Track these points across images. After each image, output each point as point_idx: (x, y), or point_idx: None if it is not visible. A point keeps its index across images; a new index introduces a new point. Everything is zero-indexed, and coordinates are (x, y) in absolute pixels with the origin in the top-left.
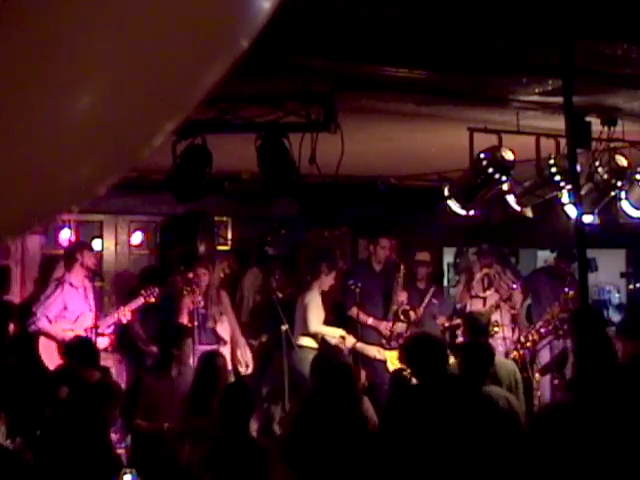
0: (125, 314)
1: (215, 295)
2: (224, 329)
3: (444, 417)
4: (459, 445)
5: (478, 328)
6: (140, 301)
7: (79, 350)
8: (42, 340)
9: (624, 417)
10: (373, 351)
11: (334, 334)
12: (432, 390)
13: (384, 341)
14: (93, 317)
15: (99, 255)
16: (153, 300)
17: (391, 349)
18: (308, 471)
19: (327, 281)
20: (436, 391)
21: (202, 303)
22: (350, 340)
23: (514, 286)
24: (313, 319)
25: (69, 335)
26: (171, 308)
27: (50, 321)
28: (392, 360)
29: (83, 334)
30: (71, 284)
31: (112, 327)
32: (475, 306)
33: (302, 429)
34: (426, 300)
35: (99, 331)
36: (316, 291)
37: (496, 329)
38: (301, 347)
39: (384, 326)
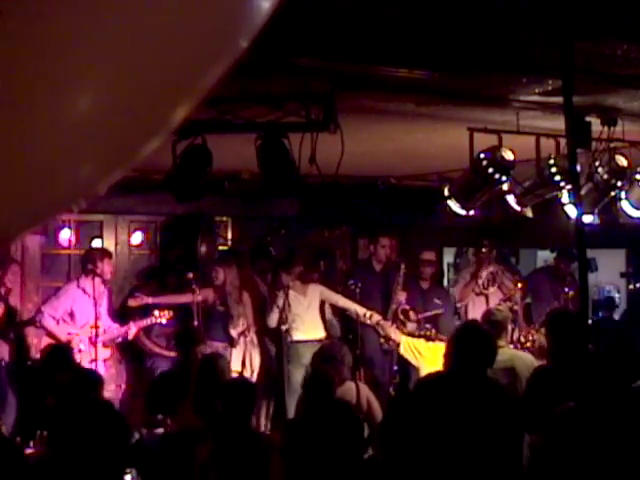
0: (132, 330)
1: (237, 294)
2: (237, 330)
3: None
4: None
5: (492, 323)
6: (150, 320)
7: (53, 361)
8: (44, 340)
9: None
10: (391, 330)
11: (359, 310)
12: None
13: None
14: (101, 325)
15: None
16: (164, 322)
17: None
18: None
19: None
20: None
21: (212, 301)
22: (376, 317)
23: (519, 285)
24: (343, 299)
25: (73, 338)
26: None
27: (57, 321)
28: (404, 345)
29: (87, 342)
30: (84, 290)
31: (117, 340)
32: (478, 304)
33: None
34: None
35: (101, 340)
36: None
37: None
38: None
39: (361, 319)
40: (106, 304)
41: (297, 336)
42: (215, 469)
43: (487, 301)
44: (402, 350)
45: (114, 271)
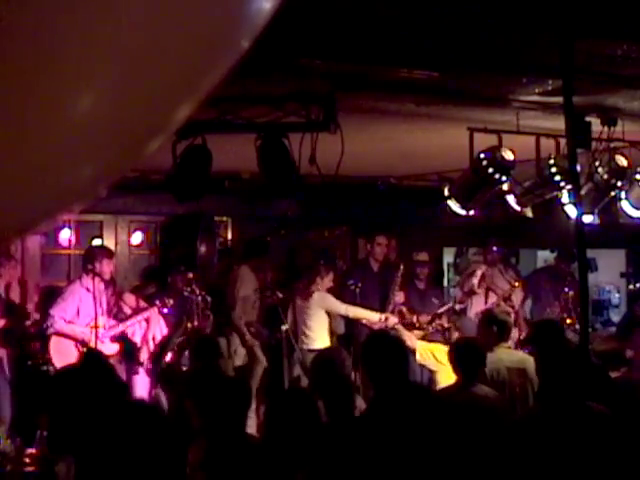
0: (143, 315)
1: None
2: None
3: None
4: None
5: (499, 324)
6: (153, 310)
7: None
8: (54, 340)
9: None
10: (407, 336)
11: (373, 317)
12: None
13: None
14: (103, 322)
15: None
16: (166, 311)
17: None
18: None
19: (325, 284)
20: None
21: None
22: (393, 320)
23: (516, 284)
24: (345, 306)
25: (89, 336)
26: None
27: (69, 322)
28: (420, 351)
29: (93, 339)
30: (87, 289)
31: (122, 333)
32: (476, 304)
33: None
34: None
35: (108, 336)
36: (323, 291)
37: None
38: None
39: (376, 324)
40: (106, 301)
41: (308, 345)
42: (205, 470)
43: (486, 302)
44: (419, 358)
45: (114, 271)
